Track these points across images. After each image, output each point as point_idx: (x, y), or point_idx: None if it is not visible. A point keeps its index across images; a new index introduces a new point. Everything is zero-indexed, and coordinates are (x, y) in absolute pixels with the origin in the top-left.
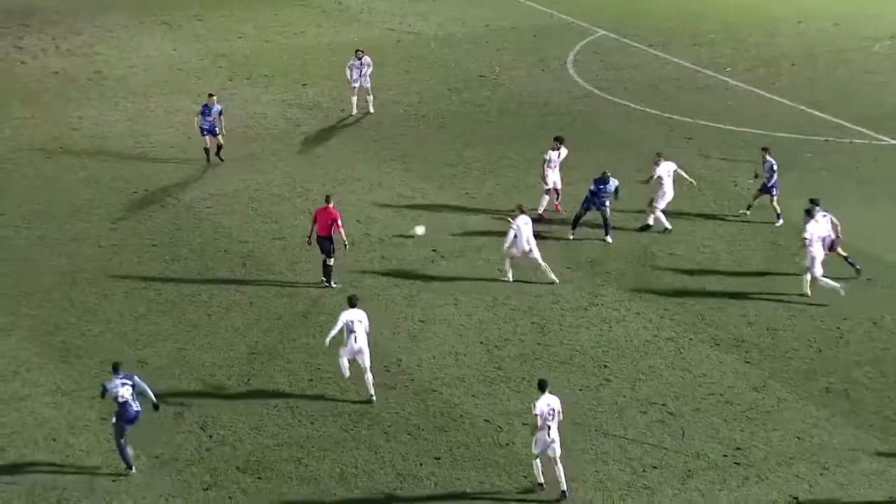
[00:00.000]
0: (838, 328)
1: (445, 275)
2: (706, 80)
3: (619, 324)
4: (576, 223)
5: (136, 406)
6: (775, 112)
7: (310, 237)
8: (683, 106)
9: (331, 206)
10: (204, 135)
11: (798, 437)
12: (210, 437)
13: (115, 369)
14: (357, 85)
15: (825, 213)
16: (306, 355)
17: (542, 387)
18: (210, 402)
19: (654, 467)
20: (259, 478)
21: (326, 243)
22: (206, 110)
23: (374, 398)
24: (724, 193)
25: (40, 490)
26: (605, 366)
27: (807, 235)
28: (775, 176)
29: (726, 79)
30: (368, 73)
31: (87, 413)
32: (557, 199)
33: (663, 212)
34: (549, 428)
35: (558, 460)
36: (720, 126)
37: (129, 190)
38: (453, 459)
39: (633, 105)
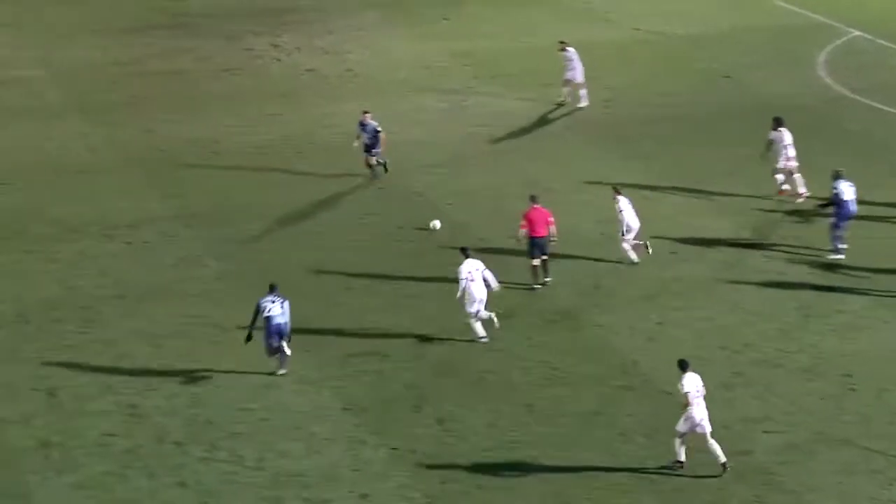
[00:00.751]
0: None
1: (685, 277)
2: None
3: (866, 332)
4: (834, 238)
5: (281, 319)
6: None
7: (529, 242)
8: None
9: (539, 205)
10: (365, 152)
11: None
12: (447, 431)
13: (271, 288)
14: (569, 77)
15: None
16: (543, 353)
17: (683, 366)
18: (447, 397)
19: None
20: (495, 475)
21: (542, 242)
22: (362, 128)
23: (487, 339)
24: None
25: (284, 477)
26: (850, 374)
27: None
28: None
29: None
30: (578, 67)
31: (330, 402)
32: (782, 184)
33: None
34: (698, 405)
35: (709, 437)
36: None
37: (375, 186)
38: (690, 464)
39: (886, 108)
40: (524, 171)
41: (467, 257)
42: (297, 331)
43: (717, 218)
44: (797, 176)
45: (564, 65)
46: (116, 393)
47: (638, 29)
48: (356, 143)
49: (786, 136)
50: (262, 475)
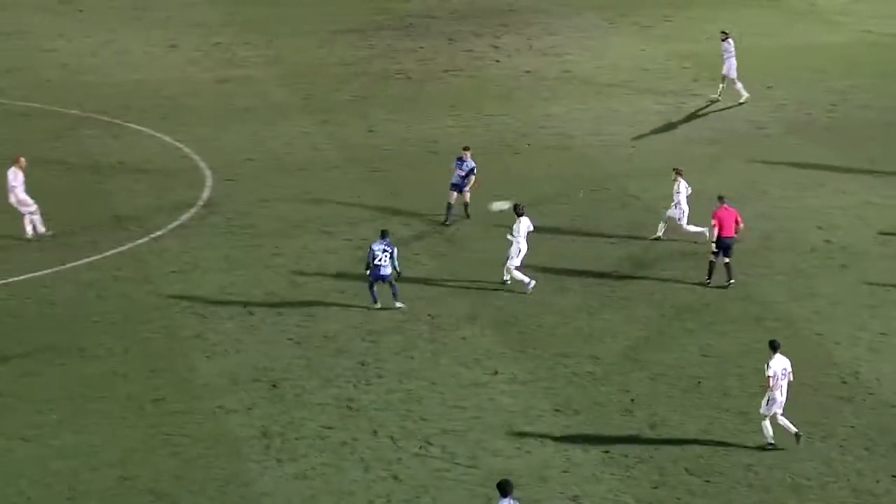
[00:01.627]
0: None
1: None
2: None
3: None
4: None
5: (385, 270)
6: None
7: (716, 242)
8: None
9: (727, 205)
10: (451, 189)
11: None
12: (659, 436)
13: (383, 234)
14: (723, 71)
15: None
16: (759, 360)
17: (774, 347)
18: (660, 402)
19: None
20: (707, 481)
21: (729, 242)
22: (459, 163)
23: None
24: None
25: (495, 475)
26: None
27: None
28: None
29: None
30: (732, 60)
31: (541, 403)
32: None
33: None
34: (782, 388)
35: (780, 414)
36: None
37: (590, 187)
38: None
39: None
40: (742, 173)
41: (521, 215)
42: (510, 330)
43: None
44: None
45: (722, 55)
46: (335, 386)
47: (869, 31)
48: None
49: None
50: (474, 473)
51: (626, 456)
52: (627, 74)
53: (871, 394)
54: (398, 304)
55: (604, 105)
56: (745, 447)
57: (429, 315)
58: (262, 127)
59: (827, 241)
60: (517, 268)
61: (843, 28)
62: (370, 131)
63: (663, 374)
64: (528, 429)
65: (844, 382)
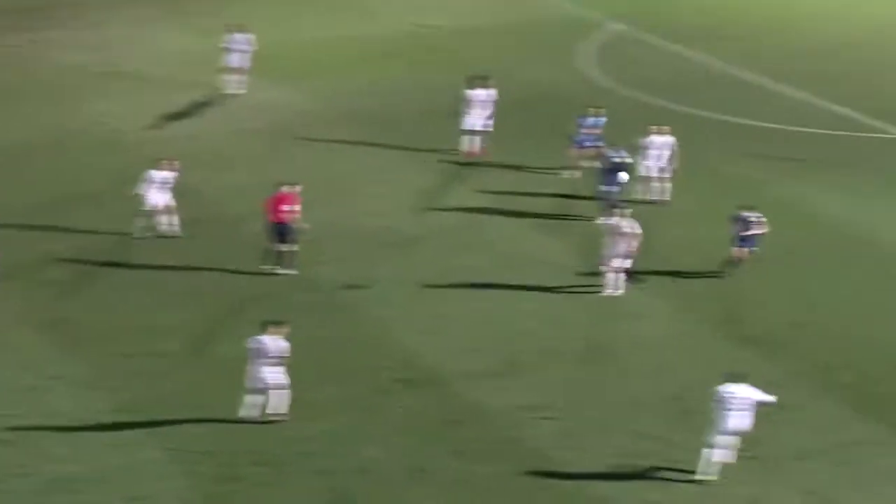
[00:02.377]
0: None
1: (462, 269)
2: (731, 75)
3: (644, 319)
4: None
5: None
6: (801, 107)
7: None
8: (708, 102)
9: (287, 191)
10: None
11: (817, 433)
12: (226, 430)
13: None
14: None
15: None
16: (320, 350)
17: (263, 326)
18: (226, 396)
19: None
20: (274, 471)
21: (280, 228)
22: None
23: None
24: (745, 191)
25: (53, 482)
26: (624, 360)
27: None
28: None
29: (750, 74)
30: (237, 53)
31: (102, 404)
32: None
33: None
34: (264, 367)
35: (271, 394)
36: (750, 123)
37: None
38: (467, 453)
39: (656, 100)
40: (295, 163)
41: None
42: (62, 332)
43: (498, 211)
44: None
45: (227, 47)
46: None
47: (406, 22)
48: None
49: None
50: (30, 482)
51: (191, 452)
52: (176, 69)
53: (427, 374)
54: None
55: (153, 100)
56: (307, 437)
57: None
58: None
59: (383, 226)
60: None
61: (381, 19)
62: None
63: (230, 367)
64: (89, 432)
65: (402, 365)
